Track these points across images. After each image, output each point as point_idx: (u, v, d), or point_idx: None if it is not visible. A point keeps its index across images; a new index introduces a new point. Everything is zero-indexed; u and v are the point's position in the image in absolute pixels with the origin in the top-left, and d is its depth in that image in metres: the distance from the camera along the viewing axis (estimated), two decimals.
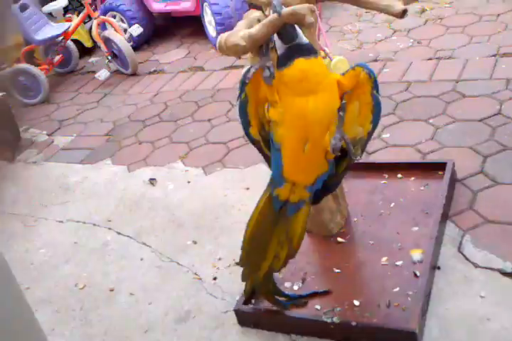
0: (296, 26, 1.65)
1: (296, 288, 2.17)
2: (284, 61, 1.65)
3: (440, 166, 2.51)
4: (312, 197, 1.85)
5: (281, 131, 1.72)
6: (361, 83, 1.74)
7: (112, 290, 2.51)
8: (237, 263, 1.98)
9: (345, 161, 1.84)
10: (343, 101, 1.71)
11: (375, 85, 1.73)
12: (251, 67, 1.72)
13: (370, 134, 1.81)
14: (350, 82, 1.74)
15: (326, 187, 1.87)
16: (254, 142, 1.85)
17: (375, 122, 1.78)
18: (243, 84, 1.72)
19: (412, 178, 2.54)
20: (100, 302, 2.46)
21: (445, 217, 2.31)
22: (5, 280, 1.31)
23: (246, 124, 1.78)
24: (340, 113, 1.69)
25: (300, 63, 1.63)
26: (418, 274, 2.05)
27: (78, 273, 2.67)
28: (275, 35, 1.68)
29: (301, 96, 1.66)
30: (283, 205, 1.84)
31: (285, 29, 1.65)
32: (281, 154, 1.75)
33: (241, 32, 1.76)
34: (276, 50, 1.71)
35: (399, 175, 2.58)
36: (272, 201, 1.83)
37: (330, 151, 1.70)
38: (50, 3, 5.29)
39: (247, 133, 1.81)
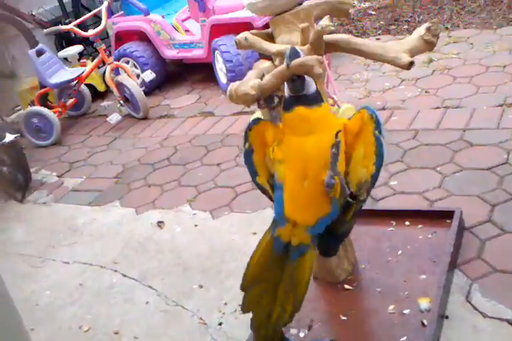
0: (306, 77, 1.70)
1: (302, 335, 2.14)
2: (287, 105, 1.73)
3: (448, 214, 2.51)
4: (316, 242, 1.81)
5: (283, 169, 1.75)
6: (364, 124, 1.79)
7: (116, 333, 2.48)
8: (242, 308, 1.91)
9: (352, 208, 1.83)
10: (338, 140, 1.72)
11: (378, 125, 1.76)
12: (256, 118, 1.78)
13: (373, 177, 1.79)
14: (356, 125, 1.79)
15: (335, 235, 1.86)
16: (263, 191, 1.87)
17: (378, 164, 1.78)
18: (246, 133, 1.78)
19: (420, 226, 2.54)
20: None
21: (453, 265, 2.30)
22: (12, 321, 1.31)
23: (253, 173, 1.83)
24: (333, 150, 1.70)
25: (300, 110, 1.70)
26: (426, 323, 2.02)
27: (83, 315, 2.66)
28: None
29: (301, 136, 1.71)
30: (285, 248, 1.80)
31: (294, 82, 1.70)
32: (282, 192, 1.76)
33: (251, 81, 1.81)
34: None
35: (406, 223, 2.58)
36: (273, 242, 1.81)
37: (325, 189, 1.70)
38: (66, 49, 5.44)
39: (255, 182, 1.85)
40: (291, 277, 1.82)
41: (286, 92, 1.73)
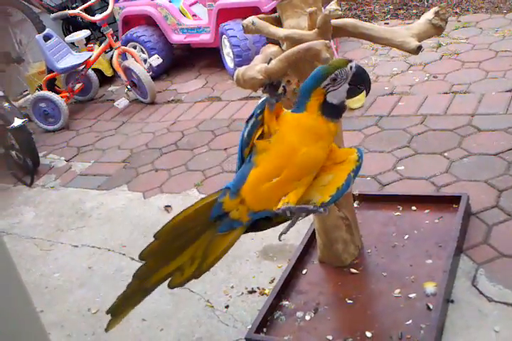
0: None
1: (308, 318, 2.16)
2: (335, 114, 1.69)
3: (455, 199, 2.51)
4: (249, 224, 1.78)
5: (263, 156, 1.70)
6: (347, 161, 1.77)
7: None
8: (140, 255, 1.77)
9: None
10: None
11: (357, 169, 1.76)
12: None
13: (323, 205, 1.74)
14: (340, 156, 1.78)
15: (271, 221, 1.82)
16: (243, 160, 1.80)
17: (334, 198, 1.74)
18: (264, 105, 1.70)
19: (427, 211, 2.55)
20: None
21: (459, 250, 2.31)
22: (23, 303, 1.33)
23: (246, 145, 1.75)
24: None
25: (309, 118, 1.67)
26: (431, 307, 2.04)
27: (91, 297, 2.69)
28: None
29: (299, 140, 1.67)
30: (220, 217, 1.75)
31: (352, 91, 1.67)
32: (250, 171, 1.71)
33: (258, 66, 1.80)
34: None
35: (413, 208, 2.59)
36: (213, 205, 1.75)
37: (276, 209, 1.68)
38: (73, 33, 5.43)
39: (241, 152, 1.77)
40: (207, 247, 1.77)
41: (337, 100, 1.67)
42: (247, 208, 1.73)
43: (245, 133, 1.73)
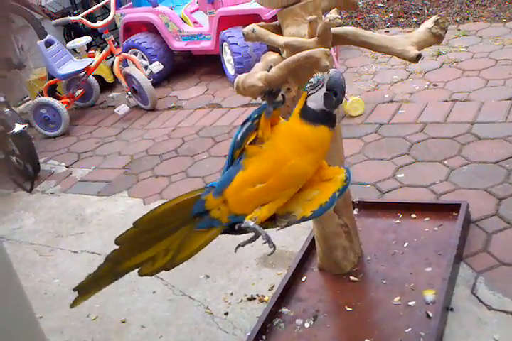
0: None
1: (307, 325, 2.16)
2: (314, 119, 1.66)
3: (454, 207, 2.52)
4: (228, 225, 1.77)
5: (253, 160, 1.70)
6: (334, 180, 1.76)
7: (123, 321, 2.51)
8: (116, 240, 1.76)
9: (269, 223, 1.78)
10: None
11: (343, 189, 1.76)
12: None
13: (302, 219, 1.75)
14: (328, 174, 1.77)
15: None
16: (232, 161, 1.80)
17: (315, 214, 1.74)
18: (261, 111, 1.71)
19: (426, 219, 2.55)
20: (112, 333, 2.46)
21: (459, 258, 2.31)
22: (23, 308, 1.33)
23: (239, 146, 1.74)
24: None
25: (324, 131, 1.66)
26: (431, 315, 2.04)
27: (91, 304, 2.68)
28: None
29: (290, 150, 1.67)
30: (200, 214, 1.75)
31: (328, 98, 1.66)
32: (237, 173, 1.71)
33: (258, 74, 1.81)
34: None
35: (413, 215, 2.59)
36: (196, 201, 1.75)
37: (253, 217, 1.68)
38: (75, 40, 5.45)
39: (232, 153, 1.77)
40: (183, 241, 1.77)
41: (316, 104, 1.66)
42: (229, 210, 1.73)
43: (239, 135, 1.73)
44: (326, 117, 1.67)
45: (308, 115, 1.67)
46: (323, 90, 1.65)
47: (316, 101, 1.66)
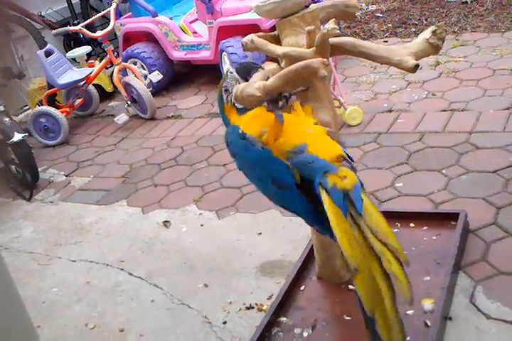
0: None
1: (305, 334, 2.16)
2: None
3: (453, 216, 2.52)
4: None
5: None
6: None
7: (121, 330, 2.51)
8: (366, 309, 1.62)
9: None
10: None
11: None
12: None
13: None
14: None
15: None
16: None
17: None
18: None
19: (425, 228, 2.55)
20: None
21: (457, 267, 2.31)
22: (21, 317, 1.33)
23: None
24: None
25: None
26: (429, 324, 2.04)
27: (89, 313, 2.68)
28: None
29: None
30: (345, 199, 1.65)
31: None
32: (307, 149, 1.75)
33: (256, 83, 1.83)
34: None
35: (411, 224, 2.59)
36: (331, 195, 1.64)
37: None
38: (74, 49, 5.48)
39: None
40: (373, 231, 1.66)
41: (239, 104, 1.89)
42: (342, 161, 1.79)
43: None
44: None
45: (240, 110, 1.90)
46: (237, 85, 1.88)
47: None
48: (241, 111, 1.91)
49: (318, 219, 1.77)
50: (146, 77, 5.14)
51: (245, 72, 1.90)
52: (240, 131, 1.84)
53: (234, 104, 1.91)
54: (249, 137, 1.80)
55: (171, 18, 5.34)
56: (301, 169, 1.75)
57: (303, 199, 1.78)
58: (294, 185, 1.75)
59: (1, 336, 1.23)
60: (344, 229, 1.66)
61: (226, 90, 1.94)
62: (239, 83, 1.88)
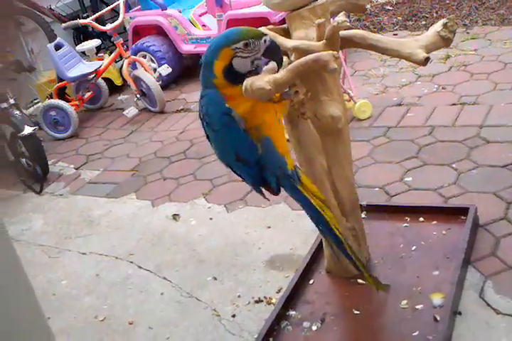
0: None
1: (314, 328, 2.16)
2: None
3: (462, 211, 2.51)
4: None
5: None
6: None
7: (131, 323, 2.52)
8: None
9: None
10: None
11: None
12: None
13: None
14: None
15: None
16: None
17: None
18: None
19: (434, 222, 2.54)
20: (119, 335, 2.47)
21: (467, 262, 2.30)
22: (33, 308, 1.35)
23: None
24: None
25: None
26: (438, 319, 2.03)
27: (98, 305, 2.70)
28: None
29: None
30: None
31: None
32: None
33: (266, 77, 1.82)
34: None
35: (421, 219, 2.58)
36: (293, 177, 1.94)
37: None
38: (84, 43, 5.48)
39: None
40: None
41: (243, 69, 1.77)
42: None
43: None
44: (243, 79, 1.74)
45: (234, 77, 1.75)
46: (254, 57, 1.74)
47: (242, 66, 1.75)
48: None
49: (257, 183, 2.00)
50: (155, 70, 5.14)
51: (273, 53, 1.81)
52: (227, 106, 1.80)
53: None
54: (235, 115, 1.80)
55: (180, 12, 5.34)
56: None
57: (255, 172, 1.95)
58: (255, 165, 1.92)
59: (15, 326, 1.24)
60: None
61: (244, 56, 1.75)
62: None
